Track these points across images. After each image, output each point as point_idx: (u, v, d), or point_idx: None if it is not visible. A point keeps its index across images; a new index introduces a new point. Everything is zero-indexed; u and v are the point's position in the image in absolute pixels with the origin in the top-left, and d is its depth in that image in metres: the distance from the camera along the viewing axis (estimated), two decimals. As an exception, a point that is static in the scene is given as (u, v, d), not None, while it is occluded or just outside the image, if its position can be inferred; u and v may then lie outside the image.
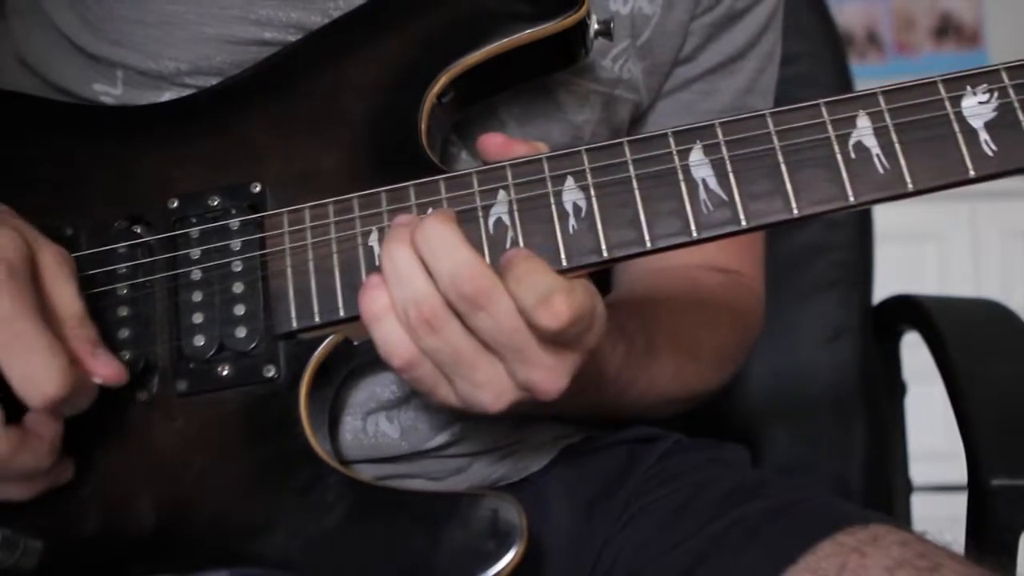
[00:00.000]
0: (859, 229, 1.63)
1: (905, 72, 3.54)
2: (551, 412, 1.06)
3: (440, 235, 0.80)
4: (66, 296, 0.84)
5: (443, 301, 0.80)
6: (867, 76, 1.94)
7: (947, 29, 3.75)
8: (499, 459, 1.07)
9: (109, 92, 1.02)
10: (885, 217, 1.49)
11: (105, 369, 0.83)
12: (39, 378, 0.79)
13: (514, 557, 0.80)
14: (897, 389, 1.58)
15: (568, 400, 0.86)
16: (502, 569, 0.80)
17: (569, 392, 0.84)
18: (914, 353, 1.51)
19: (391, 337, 0.82)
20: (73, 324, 0.83)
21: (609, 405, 1.08)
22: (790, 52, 1.32)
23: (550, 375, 0.81)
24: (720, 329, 1.18)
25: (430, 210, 0.87)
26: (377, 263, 0.86)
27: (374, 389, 1.00)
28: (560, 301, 0.78)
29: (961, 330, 1.39)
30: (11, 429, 0.80)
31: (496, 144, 0.89)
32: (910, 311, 1.51)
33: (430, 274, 0.81)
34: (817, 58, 1.63)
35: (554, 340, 0.80)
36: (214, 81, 0.99)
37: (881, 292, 1.63)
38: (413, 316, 0.80)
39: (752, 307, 1.24)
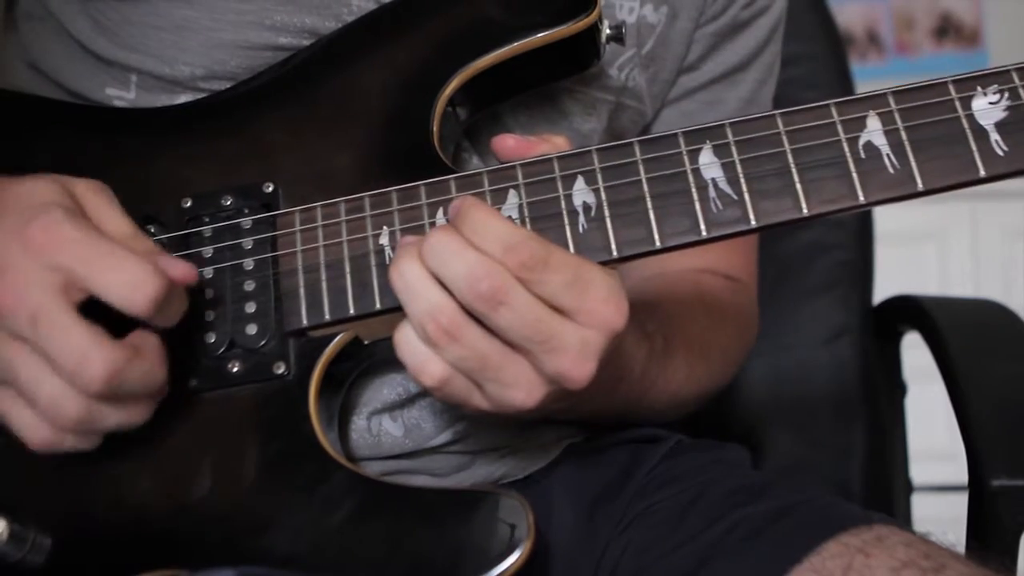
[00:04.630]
0: (859, 229, 1.63)
1: (905, 72, 3.56)
2: (579, 414, 1.06)
3: (445, 243, 0.80)
4: (114, 219, 0.85)
5: (458, 308, 0.80)
6: (867, 76, 1.95)
7: (947, 29, 3.75)
8: (501, 457, 1.08)
9: (122, 96, 1.03)
10: (886, 217, 1.49)
11: (175, 269, 0.84)
12: (139, 281, 0.80)
13: (521, 555, 0.80)
14: (897, 389, 1.58)
15: (596, 401, 0.86)
16: (509, 566, 0.80)
17: (600, 391, 0.84)
18: (914, 353, 1.51)
19: (418, 357, 0.82)
20: (129, 240, 0.84)
21: (631, 407, 1.08)
22: (791, 53, 1.32)
23: (577, 360, 0.81)
24: (725, 331, 1.19)
25: (440, 211, 0.88)
26: (388, 261, 0.87)
27: (382, 390, 1.00)
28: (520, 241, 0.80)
29: (961, 330, 1.39)
30: (120, 341, 0.81)
31: (508, 147, 0.89)
32: (910, 311, 1.51)
33: (442, 285, 0.81)
34: (818, 59, 1.63)
35: (557, 300, 0.80)
36: (228, 86, 1.00)
37: (881, 292, 1.64)
38: (431, 329, 0.80)
39: (751, 312, 1.26)
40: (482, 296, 0.79)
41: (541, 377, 0.82)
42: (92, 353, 0.79)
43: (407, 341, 0.82)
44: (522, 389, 0.82)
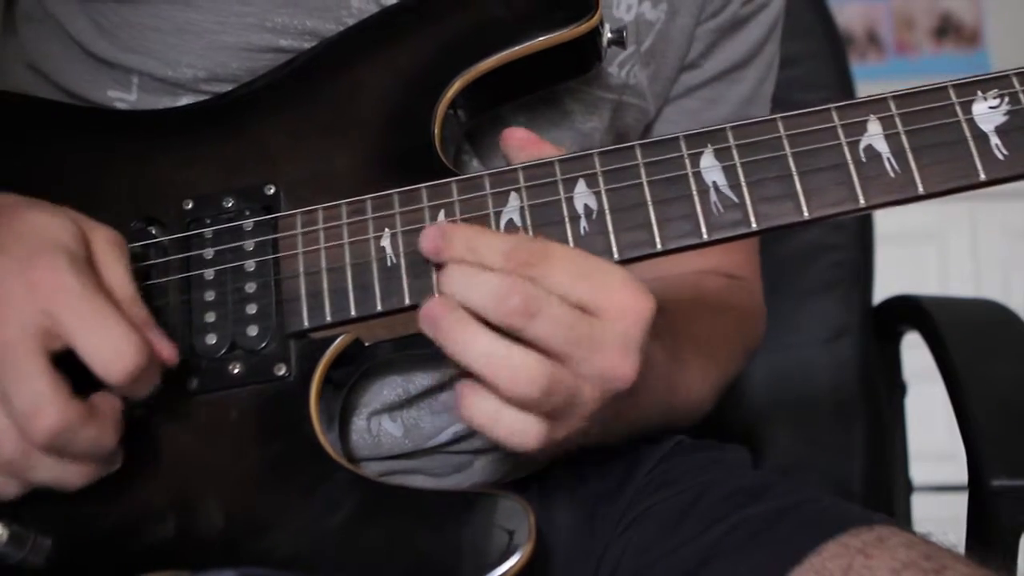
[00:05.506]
0: (860, 229, 1.63)
1: (905, 72, 3.55)
2: (617, 427, 1.03)
3: (457, 275, 0.80)
4: (119, 278, 0.84)
5: (542, 358, 0.78)
6: (867, 76, 1.95)
7: (947, 29, 3.74)
8: (502, 457, 1.07)
9: (124, 98, 1.02)
10: (886, 218, 1.49)
11: (161, 347, 0.83)
12: (121, 350, 0.79)
13: (522, 557, 0.80)
14: (897, 389, 1.58)
15: (626, 413, 0.88)
16: (509, 568, 0.80)
17: (634, 400, 0.84)
18: (914, 353, 1.51)
19: (515, 428, 0.80)
20: (127, 305, 0.83)
21: (659, 415, 1.07)
22: (791, 53, 1.32)
23: (621, 355, 0.80)
24: (729, 330, 1.19)
25: (441, 213, 0.87)
26: (389, 263, 0.87)
27: (381, 391, 1.00)
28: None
29: (961, 330, 1.39)
30: (78, 401, 0.80)
31: (517, 138, 0.89)
32: (910, 311, 1.51)
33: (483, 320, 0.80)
34: (818, 59, 1.63)
35: (574, 295, 0.80)
36: (230, 88, 0.99)
37: (881, 292, 1.64)
38: (528, 391, 0.78)
39: (755, 310, 1.25)
40: (515, 311, 0.78)
41: (588, 384, 0.80)
42: (47, 403, 0.78)
43: (500, 417, 0.80)
44: (587, 404, 0.81)
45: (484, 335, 0.79)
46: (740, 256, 1.25)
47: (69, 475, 0.83)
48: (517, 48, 0.94)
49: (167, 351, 0.84)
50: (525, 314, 0.78)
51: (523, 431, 0.80)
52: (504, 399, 0.80)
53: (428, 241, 0.83)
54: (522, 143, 0.89)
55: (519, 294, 0.78)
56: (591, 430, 0.86)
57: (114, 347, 0.79)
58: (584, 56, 0.97)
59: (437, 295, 0.83)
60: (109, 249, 0.85)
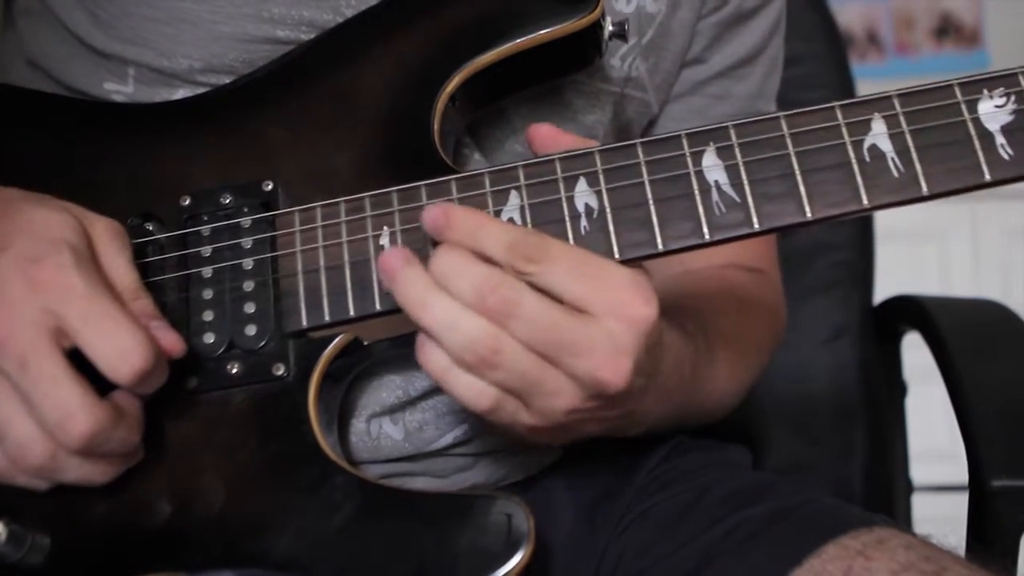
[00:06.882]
0: (860, 229, 1.63)
1: (905, 72, 3.54)
2: (645, 425, 1.01)
3: (449, 262, 0.80)
4: (121, 269, 0.85)
5: (494, 332, 0.79)
6: (867, 76, 1.94)
7: (947, 29, 3.75)
8: (504, 458, 1.07)
9: (120, 90, 1.02)
10: (886, 217, 1.49)
11: (165, 340, 0.83)
12: (128, 350, 0.79)
13: (522, 559, 0.80)
14: (897, 389, 1.58)
15: (657, 410, 0.89)
16: (510, 570, 0.80)
17: (660, 399, 0.85)
18: (914, 353, 1.51)
19: (468, 389, 0.81)
20: (130, 296, 0.84)
21: (684, 412, 1.07)
22: (791, 53, 1.31)
23: (608, 359, 0.79)
24: (757, 324, 1.18)
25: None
26: None
27: (380, 392, 0.99)
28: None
29: (962, 330, 1.39)
30: (106, 403, 0.80)
31: (542, 134, 0.89)
32: (911, 311, 1.51)
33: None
34: (819, 59, 1.63)
35: (570, 293, 0.79)
36: (227, 79, 0.99)
37: (882, 292, 1.64)
38: (471, 360, 0.79)
39: (778, 303, 1.25)
40: (491, 310, 0.78)
41: (576, 385, 0.80)
42: (78, 410, 0.78)
43: (452, 373, 0.81)
44: (565, 397, 0.81)
45: (439, 299, 0.80)
46: (760, 250, 1.24)
47: (96, 473, 0.83)
48: (518, 42, 0.93)
49: (173, 344, 0.84)
50: (502, 314, 0.78)
51: (474, 393, 0.81)
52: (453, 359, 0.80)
53: (430, 219, 0.82)
54: (551, 140, 0.89)
55: (497, 296, 0.78)
56: (586, 428, 0.86)
57: (120, 348, 0.79)
58: (585, 50, 0.96)
59: (399, 246, 0.84)
60: (110, 241, 0.85)
